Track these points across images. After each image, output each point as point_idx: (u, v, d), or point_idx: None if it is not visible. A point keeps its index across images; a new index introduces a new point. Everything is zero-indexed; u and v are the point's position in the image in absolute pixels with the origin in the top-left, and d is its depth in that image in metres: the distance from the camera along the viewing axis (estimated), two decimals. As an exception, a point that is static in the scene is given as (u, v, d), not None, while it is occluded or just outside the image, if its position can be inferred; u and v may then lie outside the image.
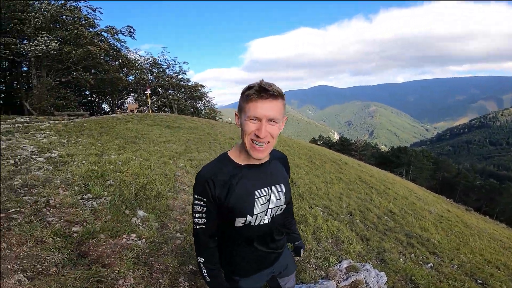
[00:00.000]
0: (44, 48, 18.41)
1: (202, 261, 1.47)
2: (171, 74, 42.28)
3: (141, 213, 5.03)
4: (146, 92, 27.19)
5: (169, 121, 17.68)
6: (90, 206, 4.82)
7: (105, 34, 26.97)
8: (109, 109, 41.02)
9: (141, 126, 14.17)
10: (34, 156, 6.57)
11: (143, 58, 40.61)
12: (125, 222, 4.63)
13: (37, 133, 8.83)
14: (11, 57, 18.89)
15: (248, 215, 1.41)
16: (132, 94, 42.40)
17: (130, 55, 35.23)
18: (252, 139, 1.34)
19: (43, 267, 3.24)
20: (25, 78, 25.01)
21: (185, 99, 43.09)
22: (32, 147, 7.21)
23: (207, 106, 47.29)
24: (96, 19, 25.14)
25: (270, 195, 1.47)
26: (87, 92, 35.84)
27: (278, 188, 1.51)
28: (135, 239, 4.32)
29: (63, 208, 4.54)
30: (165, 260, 4.00)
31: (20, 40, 19.69)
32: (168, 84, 40.26)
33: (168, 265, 3.97)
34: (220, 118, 46.61)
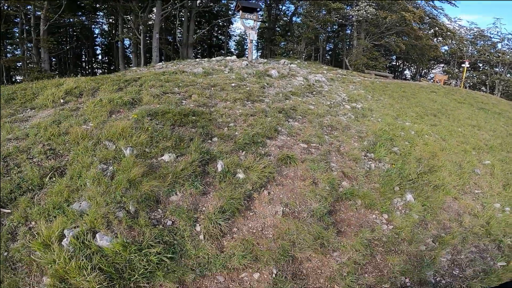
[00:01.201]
0: (364, 13, 20.11)
1: None
2: (504, 49, 33.29)
3: (409, 196, 4.34)
4: (463, 65, 22.97)
5: (486, 103, 13.55)
6: (367, 167, 4.71)
7: (420, 1, 25.52)
8: (410, 76, 39.63)
9: (446, 100, 11.99)
10: (343, 103, 7.48)
11: (464, 28, 34.57)
12: (388, 198, 4.14)
13: (350, 84, 10.07)
14: (340, 20, 22.62)
15: None
16: (441, 65, 37.98)
17: (448, 24, 30.49)
18: None
19: (299, 209, 3.56)
20: (348, 39, 29.50)
21: (518, 81, 31.85)
22: (344, 95, 8.26)
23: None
24: None
25: None
26: (393, 57, 36.56)
27: None
28: (384, 221, 3.84)
29: (346, 159, 4.75)
30: (389, 259, 3.30)
31: (345, 5, 22.84)
32: (496, 60, 32.17)
33: (384, 266, 3.23)
34: None
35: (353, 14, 20.87)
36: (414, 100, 10.23)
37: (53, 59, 25.95)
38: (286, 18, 27.26)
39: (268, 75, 8.19)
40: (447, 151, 6.21)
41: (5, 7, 15.26)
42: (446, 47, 32.45)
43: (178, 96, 5.57)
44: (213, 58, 10.86)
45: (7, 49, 22.79)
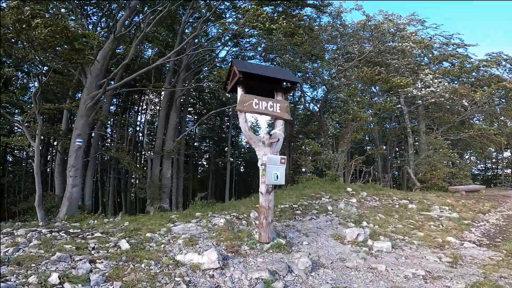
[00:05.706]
0: (438, 90, 13.32)
1: None
2: None
3: None
4: None
5: None
6: None
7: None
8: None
9: None
10: None
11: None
12: None
13: None
14: (399, 105, 16.20)
15: None
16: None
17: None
18: None
19: None
20: (396, 133, 19.86)
21: None
22: None
23: None
24: (460, 45, 17.10)
25: None
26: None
27: None
28: None
29: None
30: None
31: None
32: None
33: None
34: None
35: (418, 93, 13.28)
36: None
37: None
38: (308, 104, 20.33)
39: None
40: None
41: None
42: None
43: None
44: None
45: None
